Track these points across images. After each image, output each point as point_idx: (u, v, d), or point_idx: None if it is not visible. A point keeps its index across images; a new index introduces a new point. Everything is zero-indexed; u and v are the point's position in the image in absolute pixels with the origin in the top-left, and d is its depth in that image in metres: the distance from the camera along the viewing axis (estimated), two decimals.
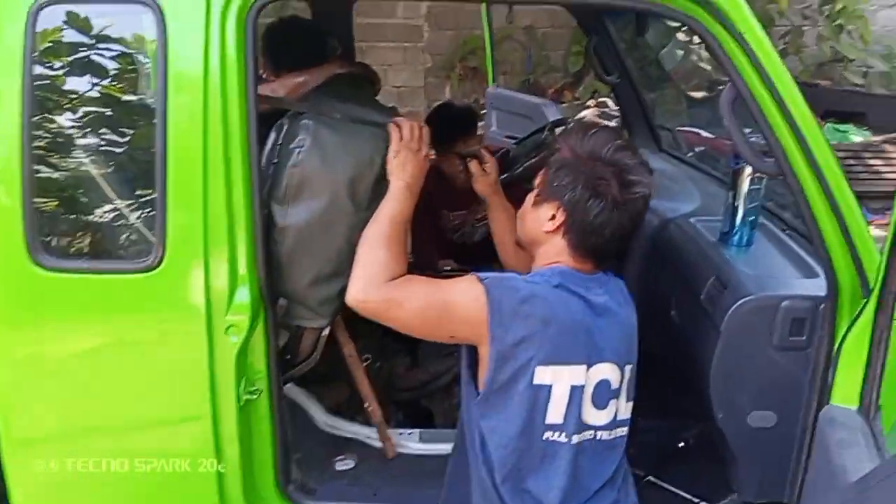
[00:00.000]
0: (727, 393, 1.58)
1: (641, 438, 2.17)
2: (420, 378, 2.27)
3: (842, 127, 6.51)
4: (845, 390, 1.35)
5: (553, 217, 1.41)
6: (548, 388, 1.35)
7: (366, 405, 1.90)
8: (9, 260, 1.49)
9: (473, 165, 1.90)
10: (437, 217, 2.85)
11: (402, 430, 2.04)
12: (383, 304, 1.41)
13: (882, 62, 7.30)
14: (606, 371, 1.40)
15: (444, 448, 1.90)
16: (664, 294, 1.90)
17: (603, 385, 1.40)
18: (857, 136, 6.46)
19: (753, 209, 1.75)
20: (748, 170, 1.69)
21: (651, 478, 2.08)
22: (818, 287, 1.48)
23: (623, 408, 1.46)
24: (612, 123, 5.89)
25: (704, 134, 4.99)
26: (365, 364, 2.35)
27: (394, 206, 1.51)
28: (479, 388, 1.39)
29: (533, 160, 2.52)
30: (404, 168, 1.56)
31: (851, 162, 6.05)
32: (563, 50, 7.61)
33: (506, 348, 1.34)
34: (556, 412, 1.36)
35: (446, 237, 2.88)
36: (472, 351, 1.41)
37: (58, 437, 1.62)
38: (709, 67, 5.32)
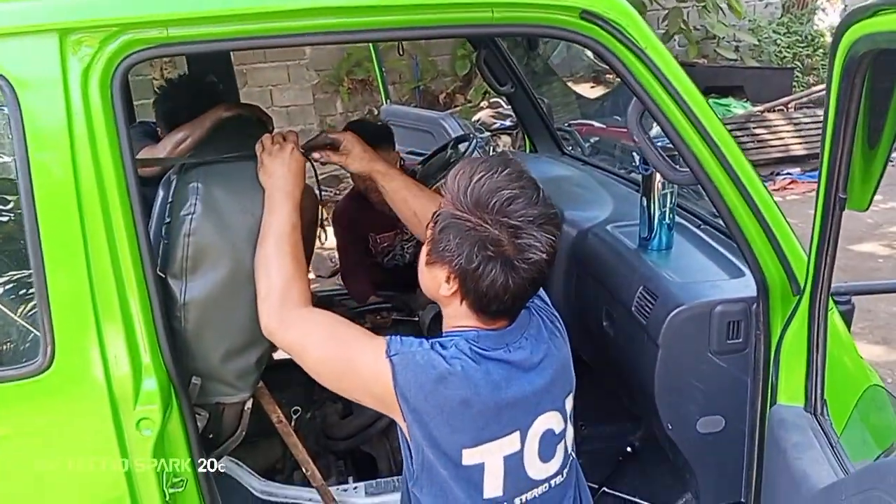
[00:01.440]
0: (673, 403, 1.56)
1: (588, 447, 2.15)
2: (356, 424, 2.17)
3: (723, 101, 6.82)
4: (790, 389, 1.34)
5: (448, 281, 1.24)
6: (480, 467, 1.25)
7: (304, 470, 1.78)
8: None
9: (332, 154, 1.59)
10: (364, 242, 2.75)
11: (345, 486, 1.93)
12: (288, 344, 1.35)
13: (750, 36, 7.70)
14: (547, 422, 1.31)
15: (393, 498, 1.81)
16: (593, 305, 1.87)
17: (547, 436, 1.31)
18: (738, 108, 6.77)
19: (668, 212, 1.74)
20: (659, 175, 1.68)
21: (606, 489, 2.06)
22: (746, 286, 1.47)
23: (570, 440, 1.39)
24: (508, 122, 5.94)
25: (597, 124, 5.08)
26: (295, 417, 2.23)
27: (272, 219, 1.41)
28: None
29: (441, 181, 2.46)
30: (270, 174, 1.45)
31: (738, 133, 6.34)
32: (448, 54, 7.63)
33: (423, 434, 1.22)
34: (493, 486, 1.26)
35: (377, 261, 2.78)
36: None
37: None
38: (592, 59, 5.43)
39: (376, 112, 7.16)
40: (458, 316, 1.29)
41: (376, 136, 2.54)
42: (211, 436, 1.58)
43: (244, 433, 1.63)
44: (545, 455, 1.31)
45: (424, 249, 1.30)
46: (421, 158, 3.08)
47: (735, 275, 1.59)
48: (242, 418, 1.61)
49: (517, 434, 1.27)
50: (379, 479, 1.98)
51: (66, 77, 1.28)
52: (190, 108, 1.94)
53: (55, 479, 1.39)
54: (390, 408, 1.24)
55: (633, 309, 1.64)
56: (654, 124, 1.40)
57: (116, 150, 1.32)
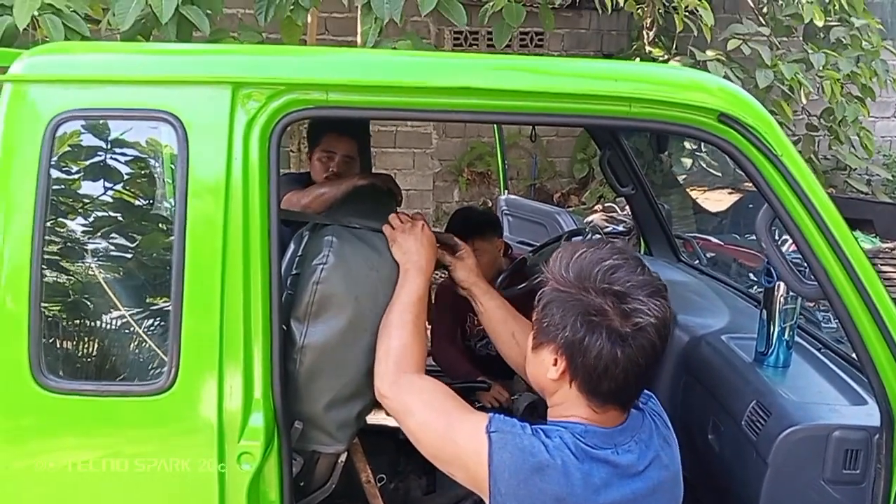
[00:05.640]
0: None
1: None
2: (438, 503, 2.14)
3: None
4: None
5: (555, 363, 1.21)
6: None
7: None
8: (9, 379, 1.40)
9: (447, 254, 1.66)
10: (461, 322, 2.78)
11: None
12: (396, 406, 1.38)
13: (884, 170, 7.44)
14: None
15: None
16: (700, 415, 1.80)
17: None
18: (866, 242, 6.47)
19: (789, 329, 1.69)
20: (782, 288, 1.64)
21: None
22: (869, 415, 1.39)
23: None
24: (621, 228, 5.92)
25: (714, 240, 4.97)
26: (380, 485, 2.23)
27: (403, 290, 1.49)
28: None
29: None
30: (405, 251, 1.52)
31: None
32: (567, 157, 7.78)
33: None
34: None
35: (469, 345, 2.80)
36: None
37: None
38: (718, 174, 5.39)
39: (490, 204, 7.32)
40: (566, 403, 1.24)
41: (483, 222, 2.62)
42: (302, 483, 1.61)
43: (333, 487, 1.64)
44: None
45: (530, 335, 1.28)
46: (532, 248, 3.11)
47: (856, 402, 1.50)
48: (334, 471, 1.63)
49: None
50: None
51: (231, 126, 1.41)
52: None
53: (152, 496, 1.45)
54: (480, 485, 1.22)
55: (743, 423, 1.58)
56: (783, 236, 1.39)
57: (266, 200, 1.42)
